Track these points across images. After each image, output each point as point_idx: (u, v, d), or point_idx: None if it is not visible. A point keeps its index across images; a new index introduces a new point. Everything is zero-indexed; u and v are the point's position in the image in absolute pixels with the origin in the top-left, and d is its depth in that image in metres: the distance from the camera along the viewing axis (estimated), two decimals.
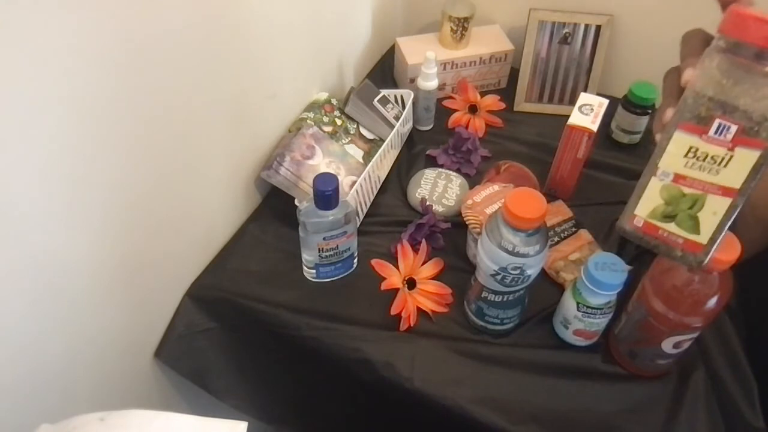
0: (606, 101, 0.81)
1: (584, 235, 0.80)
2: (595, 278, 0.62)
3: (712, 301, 0.57)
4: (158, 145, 0.61)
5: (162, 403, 0.84)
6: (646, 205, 0.43)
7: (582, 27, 0.97)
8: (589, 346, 0.70)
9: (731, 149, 0.39)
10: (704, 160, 0.40)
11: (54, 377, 0.59)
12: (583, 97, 0.82)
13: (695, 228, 0.42)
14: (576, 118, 0.79)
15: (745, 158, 0.39)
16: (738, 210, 0.41)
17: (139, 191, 0.61)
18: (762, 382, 0.67)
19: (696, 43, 0.44)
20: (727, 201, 0.41)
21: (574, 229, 0.81)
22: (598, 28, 0.97)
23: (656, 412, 0.65)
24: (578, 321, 0.66)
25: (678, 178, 0.41)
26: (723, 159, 0.40)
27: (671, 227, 0.43)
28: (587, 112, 0.80)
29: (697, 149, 0.40)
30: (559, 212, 0.83)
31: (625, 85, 0.93)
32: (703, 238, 0.42)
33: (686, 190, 0.41)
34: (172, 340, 0.76)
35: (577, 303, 0.65)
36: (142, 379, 0.77)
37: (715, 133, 0.39)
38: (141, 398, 0.78)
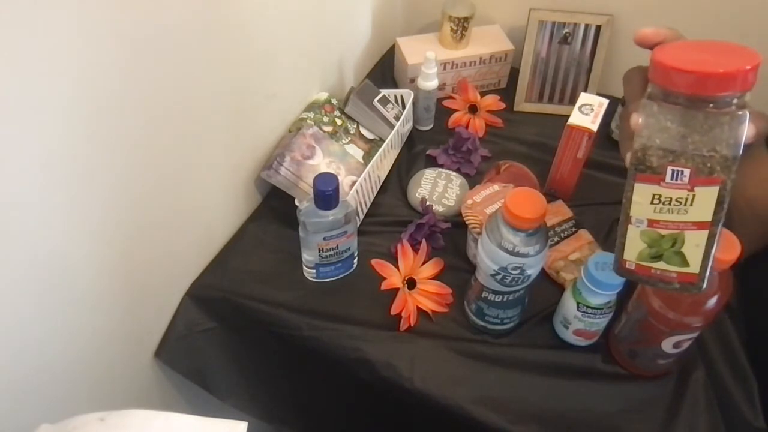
0: (606, 101, 0.81)
1: (584, 235, 0.80)
2: (595, 278, 0.62)
3: (712, 301, 0.57)
4: (158, 145, 0.61)
5: (162, 403, 0.84)
6: (632, 250, 0.44)
7: (582, 27, 0.97)
8: (589, 346, 0.70)
9: (691, 190, 0.40)
10: (670, 203, 0.41)
11: (54, 377, 0.59)
12: (583, 97, 0.82)
13: (683, 262, 0.43)
14: (576, 118, 0.79)
15: (707, 195, 0.40)
16: (718, 235, 0.42)
17: (139, 191, 0.61)
18: (762, 381, 0.67)
19: (636, 82, 0.44)
20: (704, 233, 0.41)
21: (574, 229, 0.81)
22: (598, 28, 0.97)
23: (656, 412, 0.65)
24: (578, 321, 0.66)
25: (652, 222, 0.42)
26: (686, 200, 0.40)
27: (661, 265, 0.44)
28: (587, 112, 0.80)
29: (660, 195, 0.41)
30: (559, 212, 0.83)
31: None
32: (693, 268, 0.43)
33: (663, 232, 0.42)
34: (172, 340, 0.76)
35: (577, 303, 0.65)
36: (142, 379, 0.77)
37: (671, 178, 0.40)
38: (141, 398, 0.78)
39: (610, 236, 0.82)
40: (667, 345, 0.62)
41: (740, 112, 0.38)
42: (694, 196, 0.40)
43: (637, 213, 0.43)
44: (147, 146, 0.60)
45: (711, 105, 0.38)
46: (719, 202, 0.40)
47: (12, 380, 0.54)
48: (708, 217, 0.41)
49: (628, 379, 0.68)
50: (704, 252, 0.42)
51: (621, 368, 0.68)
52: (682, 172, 0.39)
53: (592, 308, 0.65)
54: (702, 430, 0.64)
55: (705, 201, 0.40)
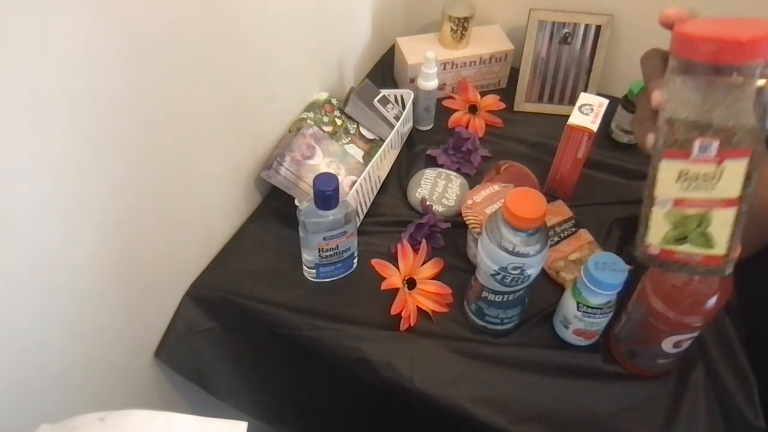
0: (606, 101, 0.81)
1: (584, 235, 0.80)
2: (595, 278, 0.62)
3: (712, 301, 0.57)
4: (158, 146, 0.61)
5: (162, 403, 0.84)
6: (656, 233, 0.43)
7: (582, 27, 0.97)
8: (589, 346, 0.70)
9: (719, 164, 0.39)
10: (697, 180, 0.40)
11: (54, 377, 0.59)
12: (583, 97, 0.82)
13: (709, 243, 0.42)
14: (576, 118, 0.79)
15: (736, 168, 0.39)
16: (746, 213, 0.40)
17: (139, 191, 0.61)
18: (762, 381, 0.67)
19: (655, 62, 0.44)
20: (731, 211, 0.40)
21: (574, 229, 0.81)
22: (598, 28, 0.97)
23: (656, 412, 0.65)
24: (578, 321, 0.67)
25: (678, 202, 0.41)
26: (714, 174, 0.39)
27: (687, 248, 0.43)
28: (587, 112, 0.80)
29: (687, 172, 0.40)
30: (559, 212, 0.83)
31: (625, 85, 0.93)
32: (720, 249, 0.42)
33: (689, 212, 0.41)
34: (172, 340, 0.76)
35: (577, 303, 0.65)
36: (142, 379, 0.77)
37: (699, 152, 0.39)
38: (141, 398, 0.78)
39: (610, 236, 0.82)
40: (667, 345, 0.62)
41: (765, 81, 0.37)
42: (722, 170, 0.39)
43: (663, 193, 0.41)
44: (147, 146, 0.60)
45: (735, 74, 0.37)
46: (748, 176, 0.39)
47: (12, 380, 0.54)
48: (736, 192, 0.39)
49: (628, 379, 0.68)
50: (731, 232, 0.41)
51: (621, 368, 0.68)
52: (710, 144, 0.38)
53: (592, 308, 0.65)
54: (702, 430, 0.64)
55: (733, 175, 0.39)
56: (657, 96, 0.40)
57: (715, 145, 0.38)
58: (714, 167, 0.39)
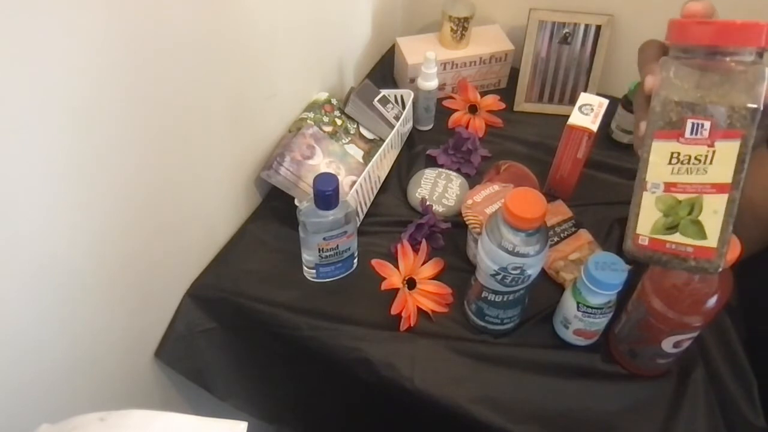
0: (606, 101, 0.81)
1: (584, 235, 0.80)
2: (595, 278, 0.62)
3: (712, 300, 0.57)
4: (159, 146, 0.61)
5: (162, 403, 0.84)
6: (646, 221, 0.42)
7: (582, 27, 0.97)
8: (589, 346, 0.70)
9: (711, 145, 0.39)
10: (689, 162, 0.40)
11: (54, 377, 0.59)
12: (583, 97, 0.82)
13: (701, 232, 0.41)
14: (576, 118, 0.79)
15: (728, 150, 0.38)
16: (737, 203, 0.40)
17: (139, 192, 0.61)
18: (762, 381, 0.67)
19: (651, 51, 0.44)
20: (723, 197, 0.40)
21: (574, 229, 0.81)
22: (598, 28, 0.97)
23: (656, 412, 0.65)
24: (578, 321, 0.67)
25: (669, 186, 0.41)
26: (706, 157, 0.39)
27: (677, 237, 0.42)
28: (587, 112, 0.80)
29: (678, 153, 0.40)
30: (559, 212, 0.83)
31: (625, 85, 0.93)
32: (711, 241, 0.41)
33: (680, 197, 0.41)
34: (172, 340, 0.76)
35: (577, 303, 0.65)
36: (142, 379, 0.77)
37: (691, 133, 0.39)
38: (141, 398, 0.78)
39: (610, 236, 0.82)
40: (667, 344, 0.62)
41: (758, 66, 0.37)
42: (714, 152, 0.39)
43: (654, 176, 0.41)
44: (147, 147, 0.60)
45: (729, 59, 0.37)
46: (740, 160, 0.38)
47: (13, 380, 0.54)
48: (728, 178, 0.39)
49: (628, 378, 0.68)
50: (723, 221, 0.40)
51: (621, 368, 0.68)
52: (702, 125, 0.38)
53: (592, 308, 0.65)
54: (702, 430, 0.64)
55: (725, 158, 0.39)
56: (650, 81, 0.40)
57: (707, 125, 0.38)
58: (706, 148, 0.39)
